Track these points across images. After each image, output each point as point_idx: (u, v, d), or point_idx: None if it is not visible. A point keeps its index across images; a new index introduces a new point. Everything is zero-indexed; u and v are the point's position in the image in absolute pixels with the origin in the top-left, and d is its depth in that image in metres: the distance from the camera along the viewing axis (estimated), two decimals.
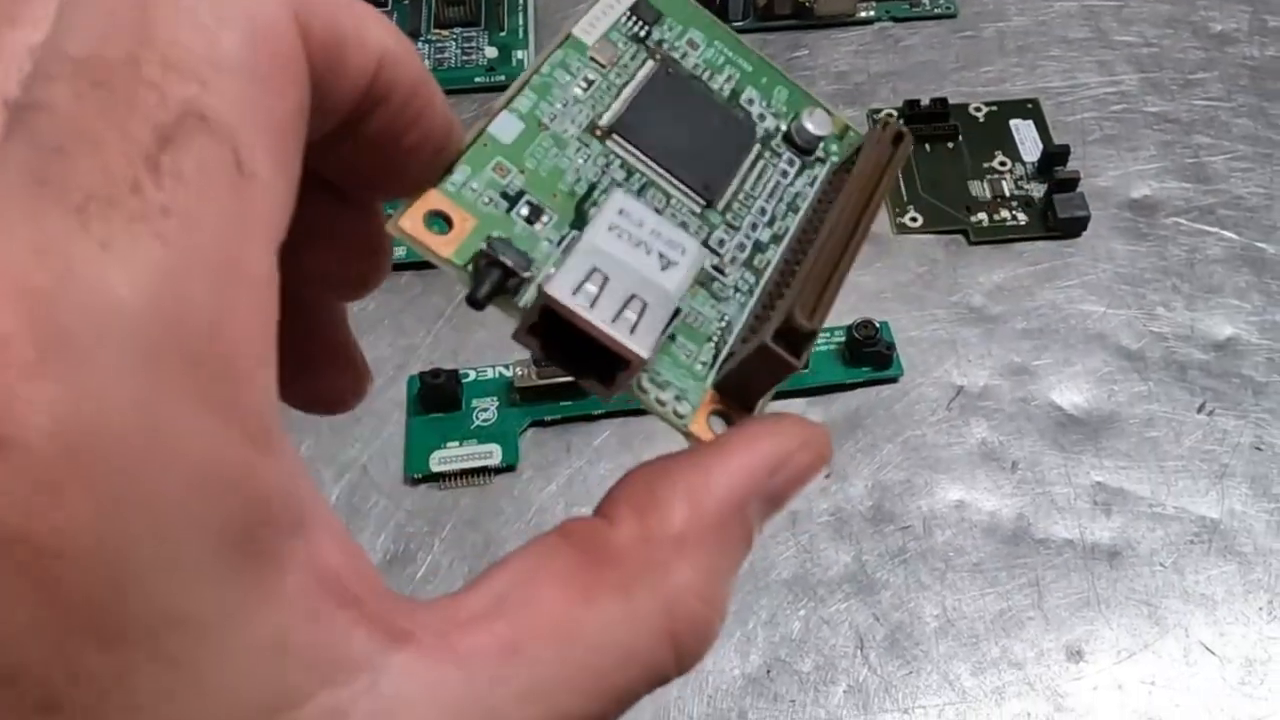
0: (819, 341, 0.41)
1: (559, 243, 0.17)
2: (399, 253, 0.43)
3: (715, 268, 0.19)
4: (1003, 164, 0.46)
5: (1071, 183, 0.45)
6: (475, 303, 0.15)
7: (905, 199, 0.45)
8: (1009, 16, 0.52)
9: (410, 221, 0.16)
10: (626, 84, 0.19)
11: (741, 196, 0.20)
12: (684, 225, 0.19)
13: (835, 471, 0.39)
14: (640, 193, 0.18)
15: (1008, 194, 0.46)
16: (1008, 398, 0.41)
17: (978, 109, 0.48)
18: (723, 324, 0.18)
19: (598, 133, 0.18)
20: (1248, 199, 0.46)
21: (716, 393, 0.17)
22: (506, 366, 0.40)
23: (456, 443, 0.39)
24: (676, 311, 0.16)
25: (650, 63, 0.20)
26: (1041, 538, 0.37)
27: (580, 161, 0.18)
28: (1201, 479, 0.39)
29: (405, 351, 0.41)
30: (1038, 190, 0.46)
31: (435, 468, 0.38)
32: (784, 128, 0.21)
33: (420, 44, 0.51)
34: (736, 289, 0.19)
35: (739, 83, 0.21)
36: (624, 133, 0.19)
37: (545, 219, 0.17)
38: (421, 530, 0.37)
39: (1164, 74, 0.50)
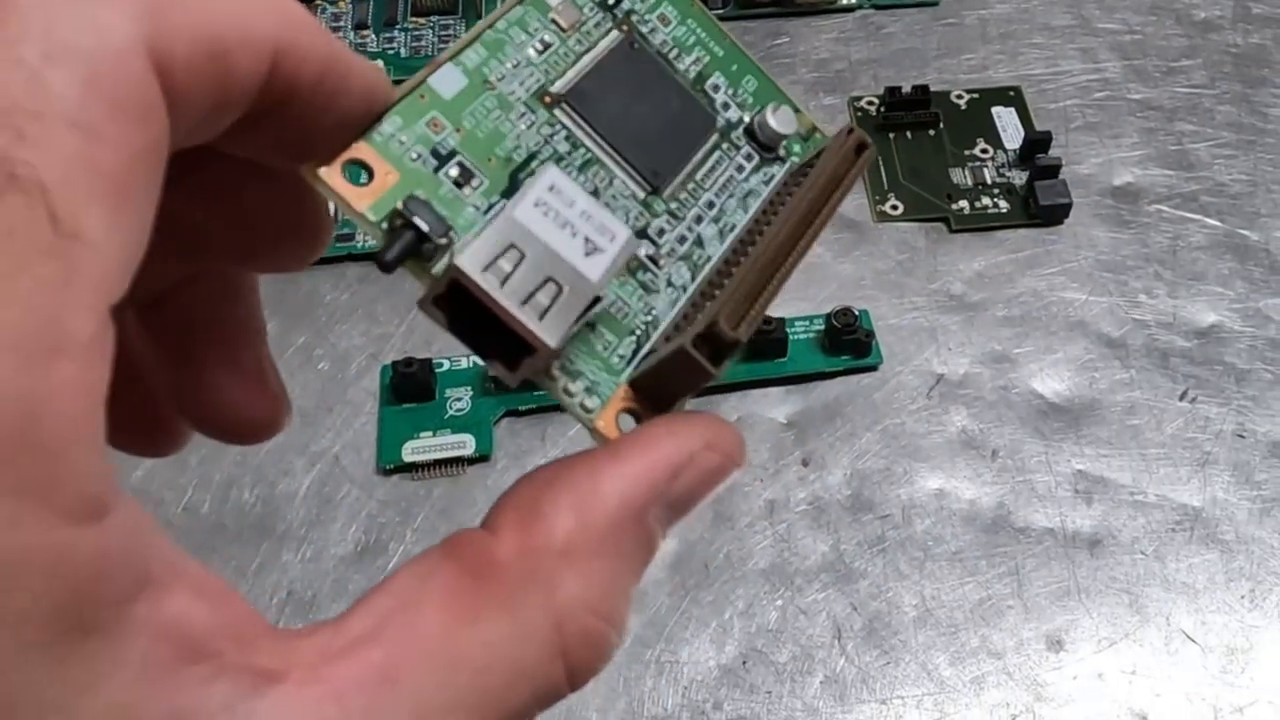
0: (796, 330, 0.40)
1: (485, 210, 0.16)
2: (372, 242, 0.43)
3: (650, 258, 0.18)
4: (984, 151, 0.46)
5: (1053, 170, 0.44)
6: (384, 265, 0.14)
7: (886, 186, 0.45)
8: (991, 4, 0.52)
9: (329, 170, 0.15)
10: (586, 52, 0.18)
11: (690, 187, 0.19)
12: (623, 211, 0.18)
13: (814, 460, 0.38)
14: (581, 170, 0.17)
15: (989, 181, 0.45)
16: (988, 386, 0.40)
17: (959, 96, 0.48)
18: (649, 318, 0.17)
19: (547, 99, 0.17)
20: (1231, 186, 0.46)
21: (631, 389, 0.16)
22: None
23: (430, 433, 0.38)
24: (596, 300, 0.15)
25: (615, 33, 0.19)
26: (1022, 526, 0.37)
27: (522, 128, 0.17)
28: (1183, 466, 0.38)
29: (378, 341, 0.41)
30: (1019, 178, 0.45)
31: (408, 458, 0.38)
32: (747, 120, 0.20)
33: (397, 31, 0.50)
34: (669, 283, 0.18)
35: (707, 66, 0.20)
36: (575, 103, 0.17)
37: (475, 183, 0.16)
38: (393, 521, 0.37)
39: (1147, 61, 0.50)
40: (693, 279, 0.18)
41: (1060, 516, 0.37)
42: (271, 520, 0.37)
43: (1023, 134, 0.46)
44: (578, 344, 0.16)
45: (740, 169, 0.19)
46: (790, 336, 0.40)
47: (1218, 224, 0.44)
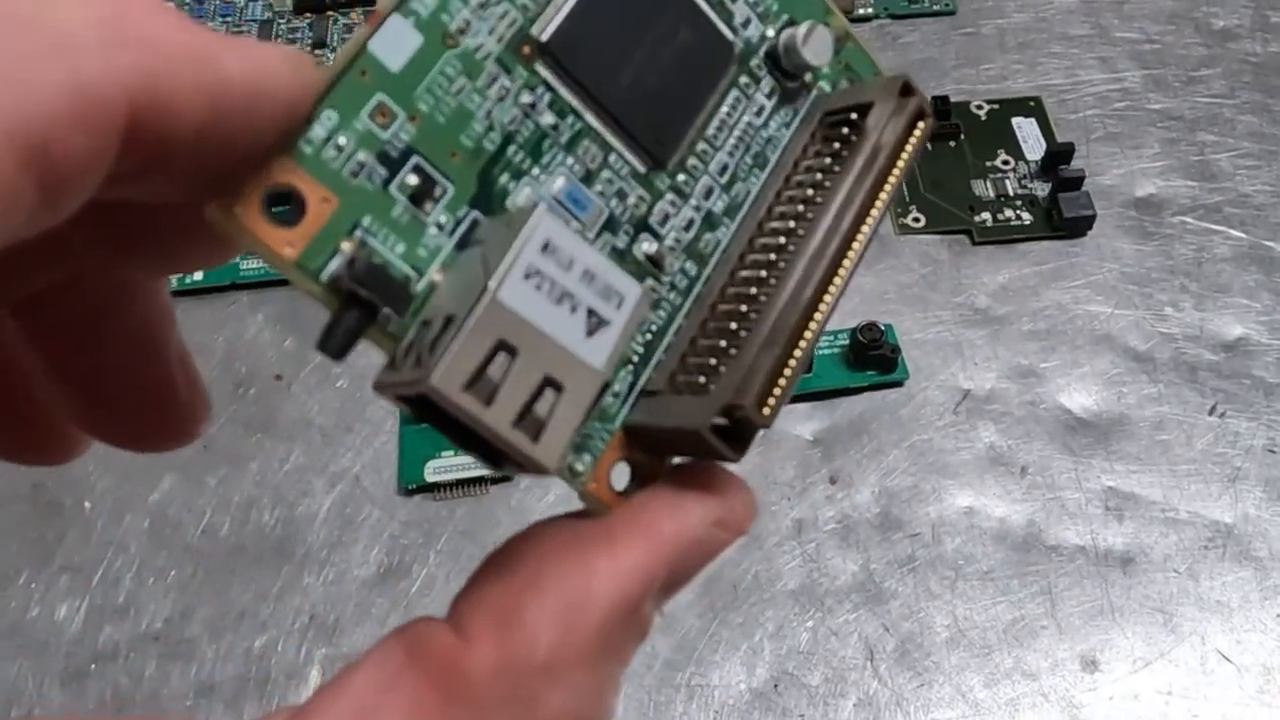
0: (821, 345, 0.40)
1: (452, 229, 0.13)
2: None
3: (653, 259, 0.14)
4: (1006, 163, 0.46)
5: (1076, 181, 0.44)
6: (328, 352, 0.11)
7: (907, 198, 0.45)
8: (1009, 13, 0.52)
9: (244, 208, 0.11)
10: None
11: (700, 150, 0.15)
12: (619, 197, 0.14)
13: (841, 478, 0.38)
14: (568, 149, 0.14)
15: (1011, 193, 0.45)
16: (1015, 401, 0.40)
17: (979, 107, 0.47)
18: (647, 339, 0.14)
19: (525, 50, 0.13)
20: (1254, 197, 0.45)
21: (626, 435, 0.14)
22: None
23: (452, 452, 0.38)
24: (605, 387, 0.12)
25: None
26: (1053, 544, 0.37)
27: (494, 98, 0.13)
28: (1214, 482, 0.38)
29: None
30: (1041, 189, 0.45)
31: (430, 478, 0.37)
32: (770, 36, 0.15)
33: None
34: (673, 286, 0.14)
35: None
36: (562, 54, 0.14)
37: (437, 193, 0.13)
38: (416, 542, 0.36)
39: (1167, 70, 0.49)
40: (699, 275, 0.15)
41: (1091, 534, 0.37)
42: (292, 542, 0.36)
43: (1044, 145, 0.46)
44: None
45: (760, 111, 0.15)
46: (815, 352, 0.39)
47: (1242, 235, 0.44)
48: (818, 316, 0.13)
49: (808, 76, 0.16)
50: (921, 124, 0.15)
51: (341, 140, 0.12)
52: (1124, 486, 0.38)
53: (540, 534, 0.13)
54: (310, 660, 0.34)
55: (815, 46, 0.15)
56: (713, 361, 0.14)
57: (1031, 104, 0.48)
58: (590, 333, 0.12)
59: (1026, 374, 0.40)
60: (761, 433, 0.13)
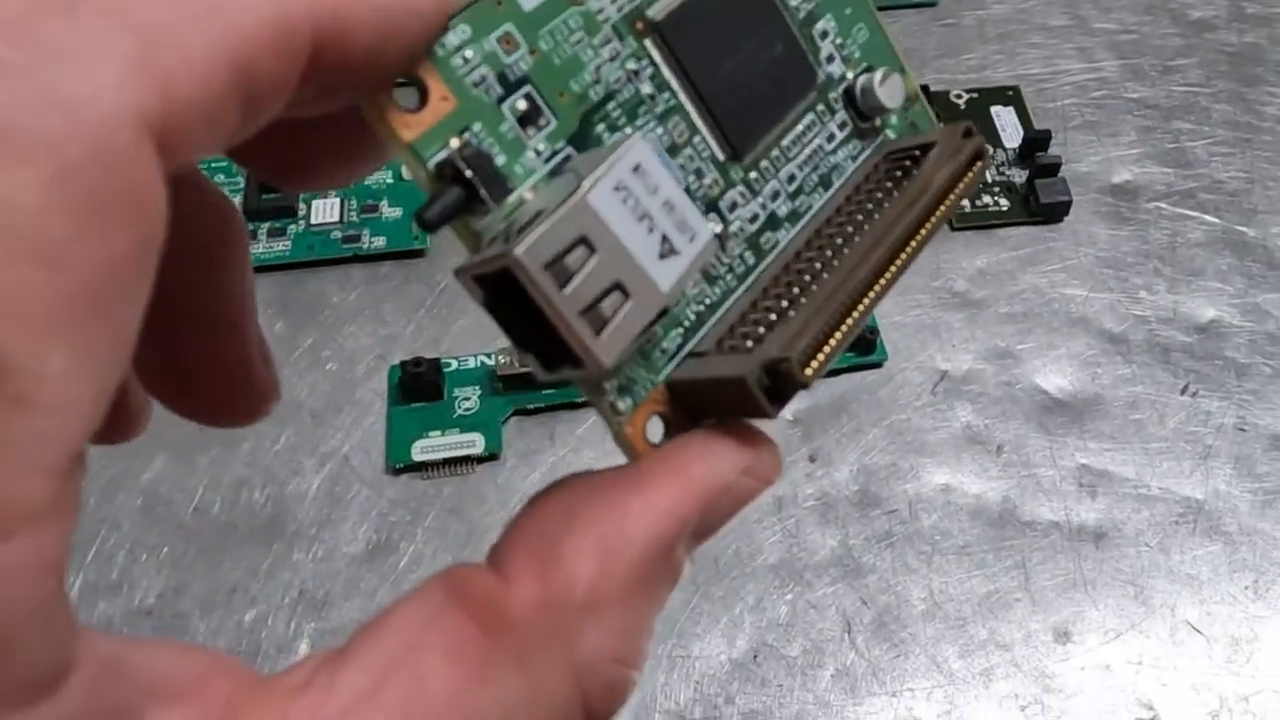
0: None
1: (548, 157, 0.14)
2: (378, 243, 0.43)
3: (719, 237, 0.15)
4: None
5: (1053, 168, 0.45)
6: (424, 224, 0.13)
7: None
8: (988, 4, 0.52)
9: (379, 97, 0.12)
10: None
11: (774, 155, 0.16)
12: (697, 176, 0.15)
13: (821, 456, 0.39)
14: (660, 120, 0.15)
15: (989, 180, 0.46)
16: (992, 382, 0.41)
17: (959, 96, 0.48)
18: (701, 308, 0.15)
19: (639, 25, 0.15)
20: (1228, 183, 0.46)
21: (668, 391, 0.14)
22: (489, 355, 0.40)
23: (439, 432, 0.38)
24: (664, 312, 0.13)
25: None
26: (1027, 520, 0.37)
27: (605, 58, 0.14)
28: (1186, 460, 0.39)
29: (386, 341, 0.41)
30: (1019, 176, 0.46)
31: (417, 457, 0.38)
32: (850, 78, 0.17)
33: None
34: (731, 269, 0.16)
35: (820, 6, 0.17)
36: (670, 35, 0.15)
37: (542, 122, 0.14)
38: (404, 520, 0.37)
39: (1144, 60, 0.50)
40: (756, 264, 0.16)
41: (1065, 510, 0.38)
42: (282, 520, 0.37)
43: (1022, 133, 0.47)
44: None
45: (830, 138, 0.17)
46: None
47: (1216, 221, 0.45)
48: (866, 300, 0.14)
49: (878, 121, 0.17)
50: (979, 163, 0.16)
51: (469, 53, 0.13)
52: (1097, 464, 0.39)
53: (575, 481, 0.13)
54: (300, 634, 0.35)
55: (889, 90, 0.17)
56: (761, 331, 0.14)
57: (1010, 93, 0.49)
58: (662, 256, 0.13)
59: (1003, 355, 0.41)
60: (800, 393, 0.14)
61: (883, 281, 0.14)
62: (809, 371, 0.13)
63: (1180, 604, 0.36)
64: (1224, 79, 0.50)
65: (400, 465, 0.38)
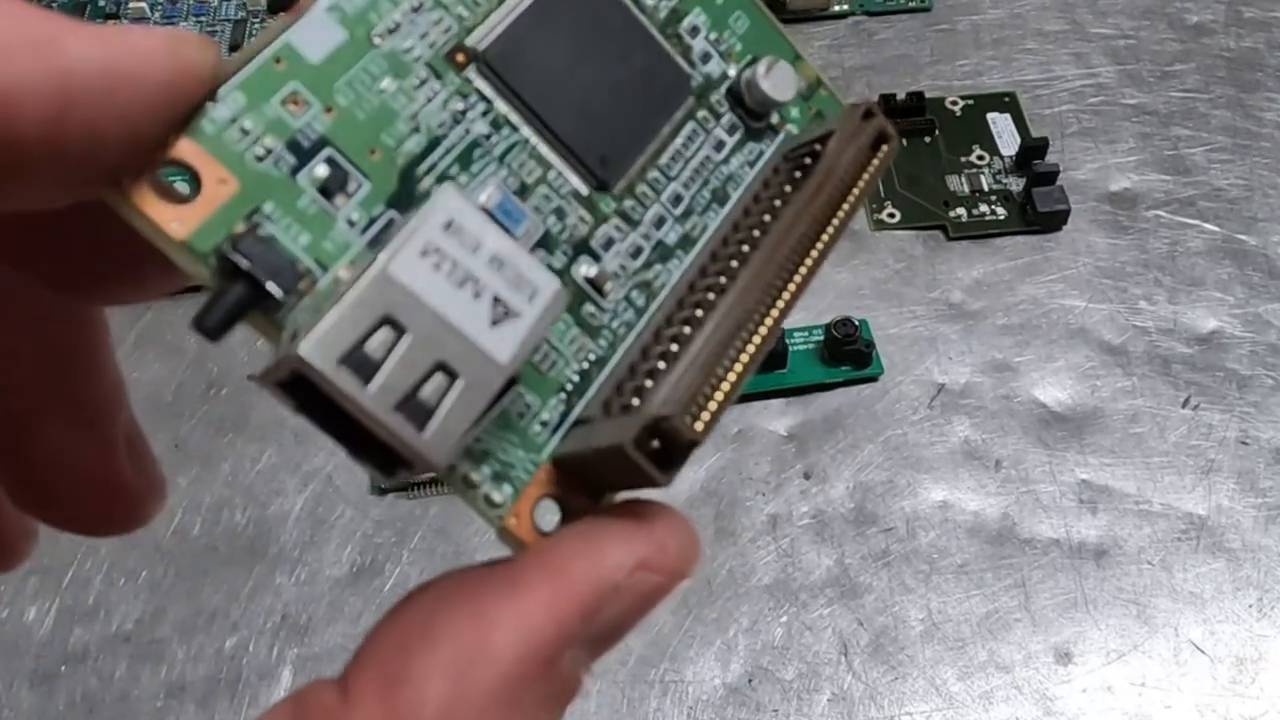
0: (796, 340, 0.40)
1: (365, 227, 0.12)
2: None
3: (593, 282, 0.13)
4: (980, 158, 0.46)
5: (1050, 176, 0.44)
6: (205, 332, 0.11)
7: (883, 194, 0.45)
8: (983, 9, 0.52)
9: (136, 187, 0.10)
10: None
11: (651, 177, 0.14)
12: (557, 217, 0.13)
13: (816, 473, 0.38)
14: (501, 160, 0.13)
15: (986, 188, 0.45)
16: (990, 395, 0.40)
17: (954, 103, 0.47)
18: (585, 365, 0.13)
19: (459, 58, 0.13)
20: (1228, 191, 0.45)
21: (555, 469, 0.13)
22: None
23: None
24: (510, 384, 0.11)
25: None
26: (1027, 537, 0.37)
27: (422, 100, 0.12)
28: (1188, 474, 0.38)
29: None
30: (1016, 184, 0.45)
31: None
32: (732, 75, 0.15)
33: None
34: (616, 315, 0.14)
35: (684, 1, 0.15)
36: (498, 64, 0.13)
37: (351, 188, 0.12)
38: (389, 541, 0.36)
39: (1141, 66, 0.50)
40: (647, 306, 0.14)
41: (1065, 527, 0.37)
42: (264, 542, 0.36)
43: (1019, 140, 0.46)
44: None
45: (719, 146, 0.15)
46: (790, 347, 0.39)
47: (1215, 229, 0.44)
48: (762, 332, 0.13)
49: (775, 118, 0.15)
50: (885, 147, 0.14)
51: (247, 123, 0.11)
52: (1098, 479, 0.38)
53: (440, 582, 0.12)
54: (283, 660, 0.34)
55: (776, 80, 0.15)
56: (647, 383, 0.13)
57: (1006, 99, 0.48)
58: (495, 322, 0.11)
59: (1001, 368, 0.41)
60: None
61: (784, 298, 0.13)
62: (698, 426, 0.11)
63: (1183, 623, 0.35)
64: (1222, 84, 0.49)
65: (385, 485, 0.37)
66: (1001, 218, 0.44)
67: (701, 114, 0.15)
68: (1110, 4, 0.52)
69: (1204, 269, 0.43)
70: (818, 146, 0.14)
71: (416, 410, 0.10)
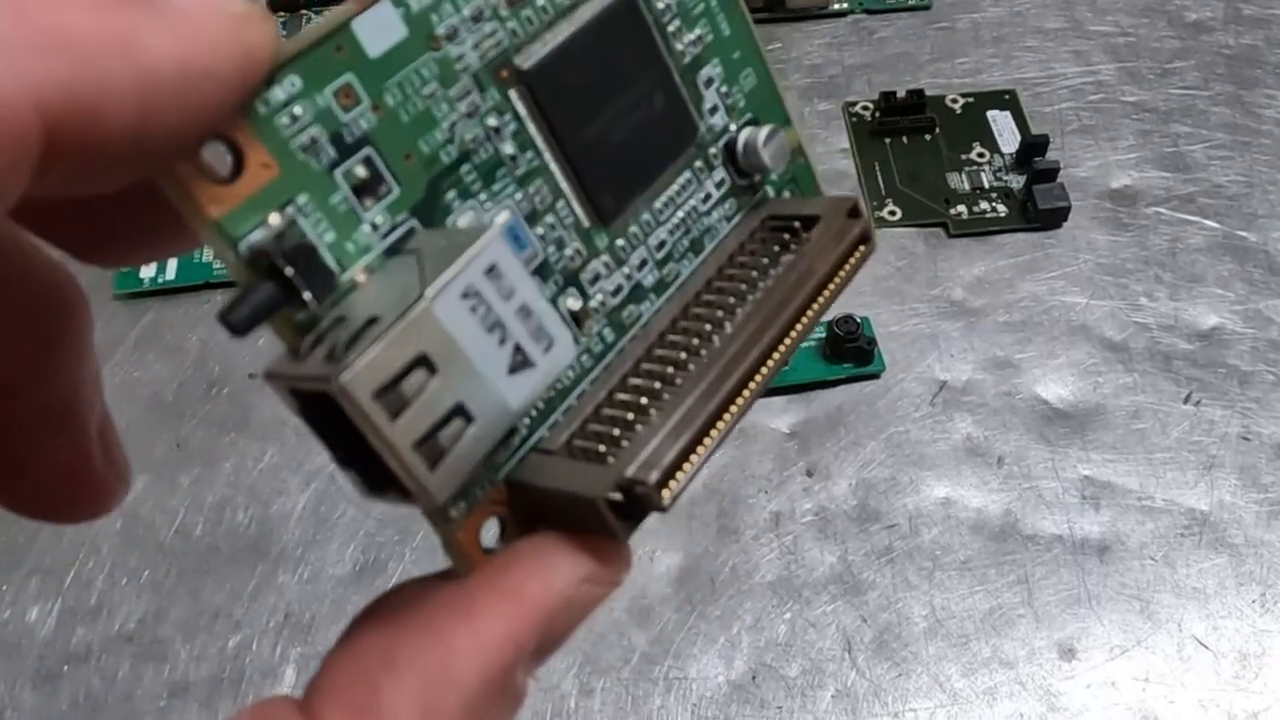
0: None
1: (387, 232, 0.12)
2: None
3: (575, 316, 0.14)
4: (981, 155, 0.46)
5: (1051, 173, 0.44)
6: (230, 326, 0.11)
7: (884, 191, 0.45)
8: (983, 7, 0.52)
9: (185, 163, 0.10)
10: (571, 10, 0.13)
11: (644, 220, 0.14)
12: (557, 245, 0.13)
13: (819, 470, 0.38)
14: (520, 184, 0.13)
15: (987, 186, 0.45)
16: (992, 392, 0.40)
17: (954, 100, 0.48)
18: (549, 395, 0.13)
19: (504, 74, 0.13)
20: (1228, 187, 0.46)
21: (508, 490, 0.13)
22: None
23: None
24: (513, 430, 0.12)
25: None
26: (1030, 533, 0.37)
27: (462, 112, 0.13)
28: (1190, 470, 0.38)
29: None
30: (1017, 181, 0.45)
31: None
32: (732, 130, 0.15)
33: None
34: (588, 350, 0.14)
35: (707, 49, 0.15)
36: (538, 87, 0.13)
37: (382, 192, 0.12)
38: (392, 539, 0.36)
39: (1141, 63, 0.50)
40: (615, 343, 0.14)
41: (1068, 523, 0.37)
42: (267, 541, 0.36)
43: (1019, 138, 0.46)
44: None
45: (706, 198, 0.15)
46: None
47: (1216, 226, 0.44)
48: (732, 410, 0.13)
49: (757, 178, 0.16)
50: (863, 247, 0.15)
51: (298, 110, 0.11)
52: (1100, 475, 0.38)
53: (395, 604, 0.12)
54: (285, 659, 0.34)
55: (774, 151, 0.15)
56: (616, 433, 0.13)
57: (1006, 97, 0.48)
58: (513, 370, 0.11)
59: (1003, 365, 0.41)
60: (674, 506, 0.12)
61: (755, 384, 0.13)
62: (666, 495, 0.12)
63: (1187, 618, 0.35)
64: (1222, 81, 0.49)
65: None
66: (1002, 215, 0.44)
67: (698, 164, 0.15)
68: (1110, 2, 0.52)
69: (1204, 265, 0.43)
70: (796, 225, 0.15)
71: (432, 450, 0.11)
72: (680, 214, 0.15)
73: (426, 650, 0.11)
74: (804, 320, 0.14)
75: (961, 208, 0.44)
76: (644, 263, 0.14)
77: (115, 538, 0.36)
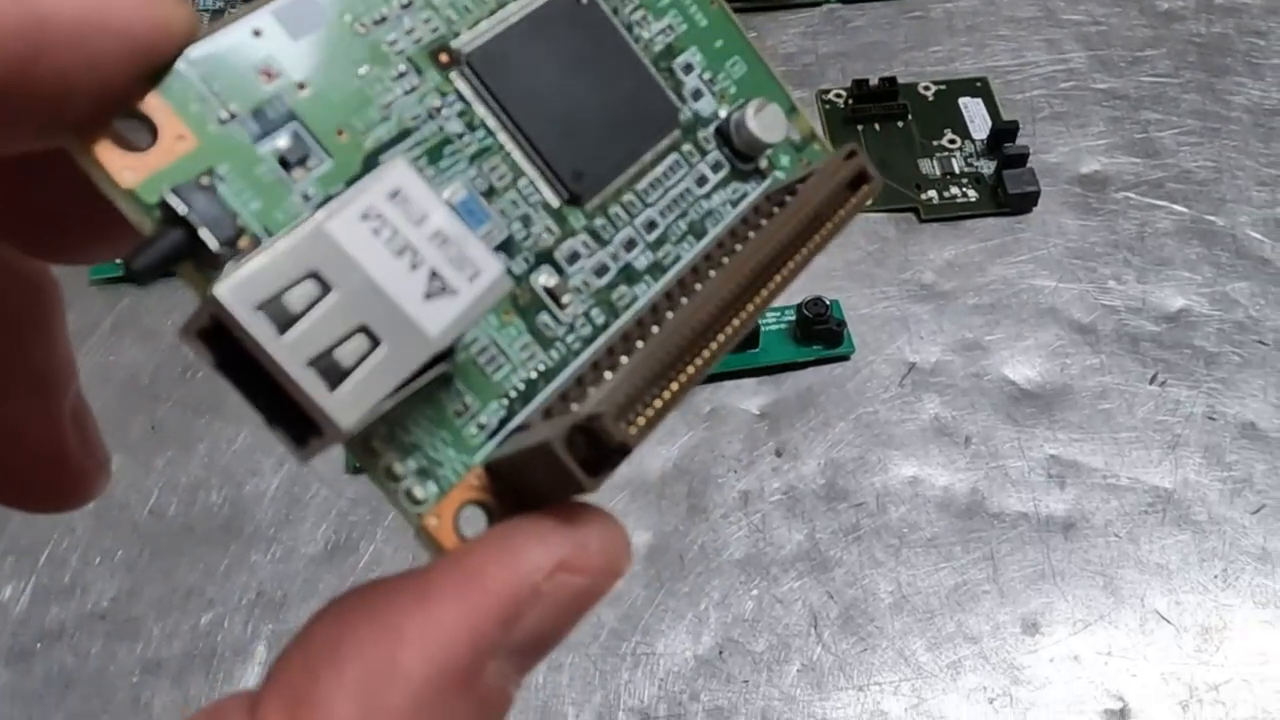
0: (768, 320, 0.40)
1: (321, 203, 0.12)
2: None
3: (551, 292, 0.13)
4: (952, 142, 0.46)
5: (1021, 158, 0.44)
6: (132, 273, 0.10)
7: None
8: None
9: (97, 135, 0.10)
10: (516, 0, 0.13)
11: (626, 199, 0.14)
12: (523, 223, 0.13)
13: (788, 450, 0.38)
14: (472, 161, 0.13)
15: (958, 171, 0.45)
16: (960, 373, 0.40)
17: (926, 88, 0.48)
18: (533, 375, 0.13)
19: (443, 58, 0.13)
20: (1196, 173, 0.46)
21: (487, 474, 0.12)
22: None
23: None
24: (437, 361, 0.11)
25: None
26: (996, 511, 0.37)
27: (399, 92, 0.12)
28: (1155, 449, 0.38)
29: None
30: (987, 167, 0.45)
31: None
32: (723, 115, 0.15)
33: None
34: (572, 329, 0.13)
35: (681, 38, 0.15)
36: (481, 66, 0.13)
37: (311, 164, 0.12)
38: (364, 519, 0.36)
39: (1112, 51, 0.50)
40: (606, 325, 0.14)
41: (1034, 501, 0.37)
42: (240, 521, 0.36)
43: (990, 124, 0.46)
44: (420, 403, 0.12)
45: (701, 181, 0.15)
46: (762, 327, 0.40)
47: (1184, 210, 0.45)
48: (706, 353, 0.12)
49: (764, 162, 0.15)
50: (864, 187, 0.14)
51: (216, 86, 0.11)
52: (1066, 454, 0.38)
53: (354, 596, 0.11)
54: (257, 636, 0.34)
55: (765, 121, 0.15)
56: (585, 389, 0.12)
57: (978, 85, 0.48)
58: (430, 295, 0.11)
59: (971, 347, 0.41)
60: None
61: (734, 326, 0.12)
62: (632, 431, 0.11)
63: (1149, 594, 0.35)
64: (1192, 69, 0.50)
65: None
66: (973, 200, 0.45)
67: (686, 148, 0.15)
68: None
69: (1172, 249, 0.44)
70: (799, 186, 0.14)
71: (330, 369, 0.10)
72: (671, 195, 0.14)
73: (372, 639, 0.10)
74: (794, 260, 0.13)
75: (932, 193, 0.45)
76: (633, 243, 0.14)
77: (90, 518, 0.36)
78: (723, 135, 0.15)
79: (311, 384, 0.10)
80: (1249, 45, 0.50)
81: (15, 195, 0.13)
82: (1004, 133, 0.45)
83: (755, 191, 0.15)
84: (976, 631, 0.34)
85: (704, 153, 0.15)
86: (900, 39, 0.51)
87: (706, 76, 0.15)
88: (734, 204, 0.15)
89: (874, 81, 0.47)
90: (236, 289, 0.10)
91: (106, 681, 0.33)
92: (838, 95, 0.48)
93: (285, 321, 0.10)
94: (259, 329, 0.10)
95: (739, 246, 0.14)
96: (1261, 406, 0.39)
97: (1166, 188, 0.45)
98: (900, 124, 0.47)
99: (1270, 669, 0.34)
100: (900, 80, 0.47)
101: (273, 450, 0.38)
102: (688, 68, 0.15)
